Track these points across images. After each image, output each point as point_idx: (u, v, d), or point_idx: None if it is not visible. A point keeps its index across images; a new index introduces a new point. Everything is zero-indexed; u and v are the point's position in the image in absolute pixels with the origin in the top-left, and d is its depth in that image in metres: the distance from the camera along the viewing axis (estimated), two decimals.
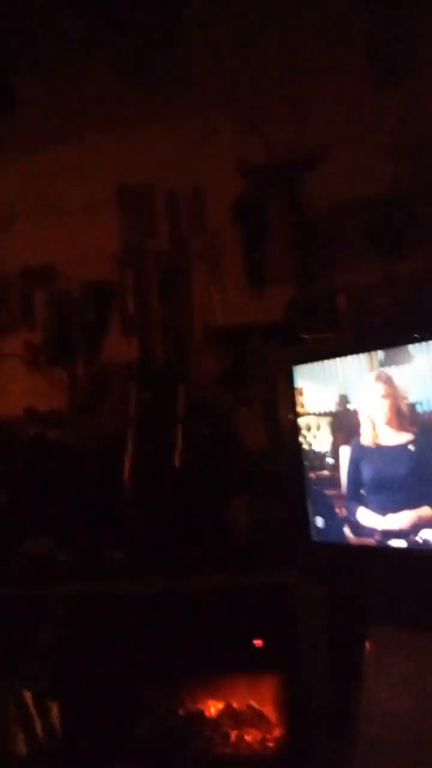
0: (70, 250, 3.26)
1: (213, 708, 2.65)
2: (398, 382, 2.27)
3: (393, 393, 2.27)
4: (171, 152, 3.13)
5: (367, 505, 2.34)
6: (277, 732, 2.55)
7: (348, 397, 2.40)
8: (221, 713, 2.63)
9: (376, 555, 2.34)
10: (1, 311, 3.40)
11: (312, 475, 2.50)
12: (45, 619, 2.69)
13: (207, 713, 2.65)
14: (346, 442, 2.40)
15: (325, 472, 2.46)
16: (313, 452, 2.49)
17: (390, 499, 2.28)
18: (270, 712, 2.58)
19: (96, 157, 3.23)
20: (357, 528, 2.37)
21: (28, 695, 2.77)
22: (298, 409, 2.52)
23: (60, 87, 2.89)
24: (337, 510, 2.43)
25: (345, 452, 2.41)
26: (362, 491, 2.36)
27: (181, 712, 2.66)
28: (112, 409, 3.11)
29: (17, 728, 2.78)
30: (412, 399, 2.23)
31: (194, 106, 3.02)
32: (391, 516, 2.27)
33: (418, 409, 2.22)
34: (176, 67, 2.80)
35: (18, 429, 3.18)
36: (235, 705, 2.63)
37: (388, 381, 2.29)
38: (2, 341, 3.36)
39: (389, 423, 2.28)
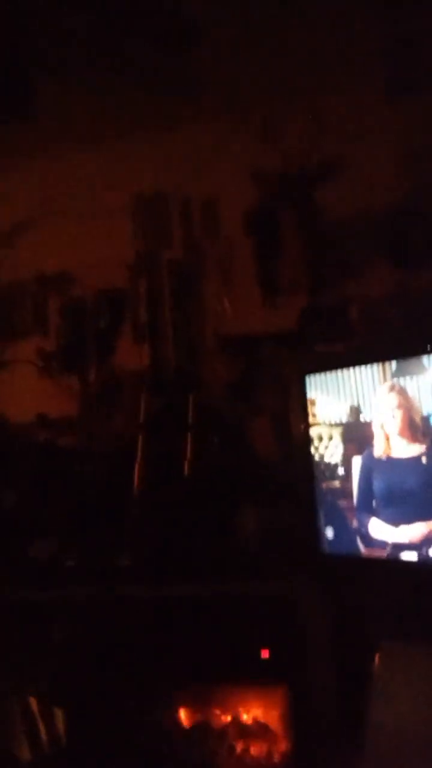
0: (84, 258, 3.20)
1: (218, 719, 2.55)
2: (411, 393, 2.18)
3: (406, 404, 2.19)
4: (185, 161, 3.07)
5: (378, 517, 2.26)
6: (283, 746, 2.45)
7: (360, 408, 2.31)
8: (227, 725, 2.53)
9: (387, 567, 2.25)
10: (15, 317, 3.35)
11: (323, 485, 2.41)
12: (50, 623, 2.61)
13: (212, 724, 2.55)
14: (358, 453, 2.32)
15: (337, 483, 2.38)
16: (325, 463, 2.41)
17: (402, 512, 2.19)
18: (276, 725, 2.49)
19: (111, 164, 3.18)
20: (368, 540, 2.28)
21: (32, 700, 2.69)
22: (310, 419, 2.44)
23: (77, 95, 2.83)
24: (349, 521, 2.35)
25: (357, 463, 2.32)
26: (374, 503, 2.27)
27: (185, 722, 2.57)
28: (123, 416, 3.05)
29: (21, 733, 2.69)
30: (425, 411, 2.14)
31: (209, 115, 2.97)
32: (402, 528, 2.19)
33: None
34: (191, 76, 2.74)
35: (29, 434, 3.12)
36: (241, 717, 2.54)
37: (401, 392, 2.20)
38: (15, 347, 3.31)
39: (402, 434, 2.20)
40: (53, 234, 3.25)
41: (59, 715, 2.67)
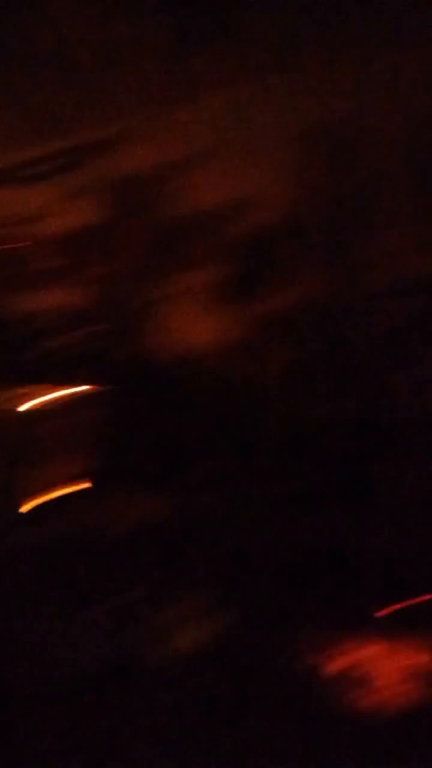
0: (261, 189, 3.07)
1: (345, 664, 2.51)
2: None
3: None
4: (372, 92, 2.76)
5: None
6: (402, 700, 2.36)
7: None
8: (351, 670, 2.48)
9: None
10: (191, 247, 3.30)
11: None
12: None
13: (339, 669, 2.51)
14: None
15: None
16: None
17: None
18: (400, 679, 2.39)
19: (297, 93, 2.97)
20: None
21: (199, 601, 2.80)
22: None
23: (271, 22, 2.60)
24: None
25: None
26: None
27: (325, 667, 2.54)
28: (292, 347, 2.95)
29: (184, 629, 2.83)
30: None
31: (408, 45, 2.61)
32: None
33: None
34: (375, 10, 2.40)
35: (202, 361, 3.13)
36: (366, 666, 2.47)
37: None
38: (191, 276, 3.28)
39: None
40: (230, 166, 3.13)
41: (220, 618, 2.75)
